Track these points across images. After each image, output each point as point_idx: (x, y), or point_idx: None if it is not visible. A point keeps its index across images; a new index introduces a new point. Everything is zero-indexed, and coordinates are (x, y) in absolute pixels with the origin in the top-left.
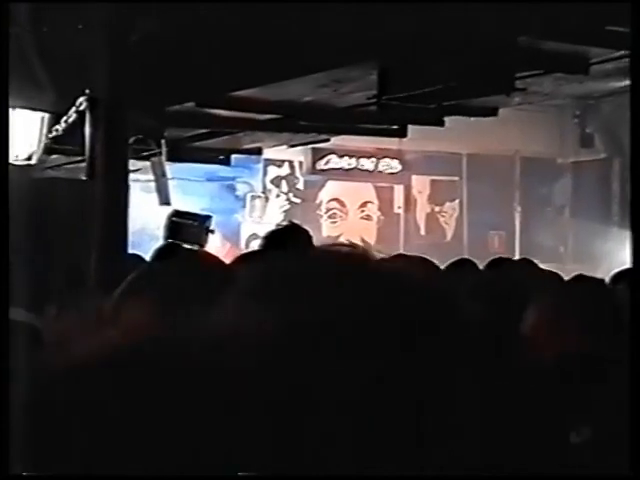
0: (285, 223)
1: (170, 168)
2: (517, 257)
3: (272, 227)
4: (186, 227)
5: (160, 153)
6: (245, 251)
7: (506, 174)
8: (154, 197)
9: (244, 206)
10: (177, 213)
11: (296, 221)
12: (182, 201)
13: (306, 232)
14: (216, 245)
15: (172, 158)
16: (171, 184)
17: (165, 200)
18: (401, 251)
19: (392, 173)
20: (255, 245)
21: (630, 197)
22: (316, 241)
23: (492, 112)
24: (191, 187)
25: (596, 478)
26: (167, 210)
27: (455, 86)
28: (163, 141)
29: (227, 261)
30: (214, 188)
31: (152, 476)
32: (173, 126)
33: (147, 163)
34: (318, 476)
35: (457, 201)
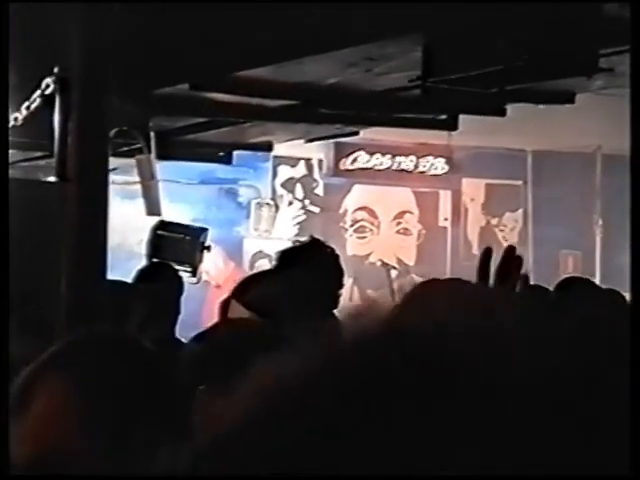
0: (304, 239)
1: (158, 167)
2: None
3: (288, 243)
4: (175, 242)
5: (148, 148)
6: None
7: (584, 177)
8: (135, 204)
9: (248, 216)
10: (164, 225)
11: (316, 236)
12: (170, 209)
13: (331, 250)
14: (217, 265)
15: (160, 155)
16: (161, 189)
17: (155, 209)
18: (447, 275)
19: (437, 175)
20: (262, 267)
21: (630, 197)
22: (343, 260)
23: (567, 98)
24: (182, 192)
25: (596, 478)
26: (151, 221)
27: (521, 66)
28: (151, 133)
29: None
30: (211, 193)
31: (153, 476)
32: (162, 114)
33: (128, 161)
34: (318, 476)
35: (520, 211)
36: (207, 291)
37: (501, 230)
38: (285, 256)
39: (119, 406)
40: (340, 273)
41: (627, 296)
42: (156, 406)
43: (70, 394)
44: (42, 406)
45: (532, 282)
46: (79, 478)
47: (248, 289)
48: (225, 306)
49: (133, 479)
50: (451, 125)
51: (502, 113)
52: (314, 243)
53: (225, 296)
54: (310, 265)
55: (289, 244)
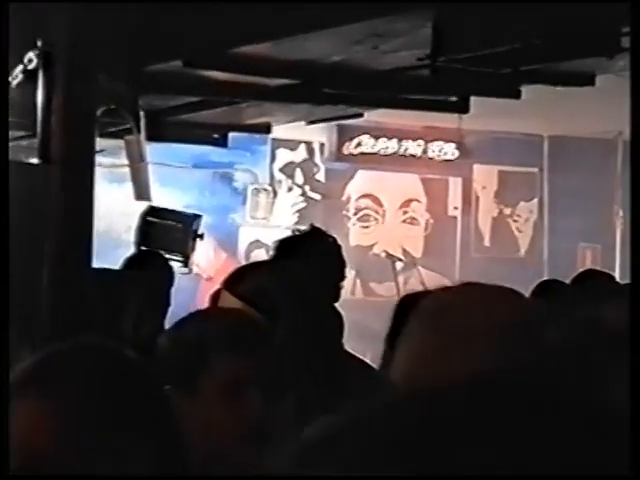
0: (303, 227)
1: (148, 149)
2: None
3: (286, 232)
4: (166, 230)
5: (137, 129)
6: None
7: (604, 165)
8: (122, 189)
9: (244, 203)
10: (154, 211)
11: (317, 225)
12: (161, 194)
13: (333, 240)
14: (208, 255)
15: (151, 136)
16: (151, 172)
17: (144, 194)
18: (457, 268)
19: (447, 161)
20: (258, 257)
21: (630, 197)
22: (345, 250)
23: (587, 80)
24: (173, 176)
25: (596, 478)
26: (140, 207)
27: (537, 45)
28: (142, 113)
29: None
30: (204, 177)
31: (153, 476)
32: (153, 93)
33: (116, 142)
34: (318, 476)
35: (535, 200)
36: (197, 284)
37: (515, 221)
38: (283, 246)
39: (103, 420)
40: (342, 264)
41: None
42: (141, 419)
43: (52, 410)
44: (23, 422)
45: (546, 278)
46: (79, 478)
47: (241, 279)
48: (216, 297)
49: (133, 479)
50: (462, 107)
51: (517, 95)
52: (314, 232)
53: (217, 287)
54: (310, 256)
55: (288, 233)
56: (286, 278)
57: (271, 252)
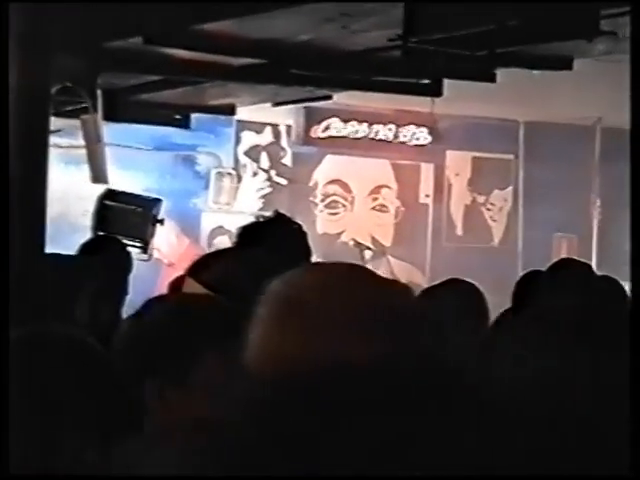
0: (268, 214)
1: (105, 130)
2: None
3: (250, 219)
4: (124, 214)
5: (94, 108)
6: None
7: (582, 152)
8: (80, 170)
9: (207, 187)
10: (112, 194)
11: (282, 211)
12: (119, 177)
13: (298, 227)
14: (170, 241)
15: (109, 116)
16: (108, 154)
17: (101, 176)
18: (428, 257)
19: (419, 146)
20: (222, 243)
21: (630, 197)
22: (309, 239)
23: (564, 64)
24: (133, 158)
25: (596, 478)
26: (98, 190)
27: (513, 26)
28: (99, 91)
29: (183, 263)
30: (165, 160)
31: (153, 476)
32: (112, 70)
33: (72, 122)
34: (318, 476)
35: (510, 189)
36: (158, 270)
37: (488, 209)
38: (246, 233)
39: (66, 408)
40: (307, 253)
41: (625, 284)
42: (105, 407)
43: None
44: None
45: (520, 268)
46: (79, 478)
47: (207, 266)
48: (177, 284)
49: (133, 479)
50: (435, 91)
51: (492, 79)
52: (279, 219)
53: (179, 274)
54: (274, 243)
55: (252, 219)
56: (252, 265)
57: (234, 239)
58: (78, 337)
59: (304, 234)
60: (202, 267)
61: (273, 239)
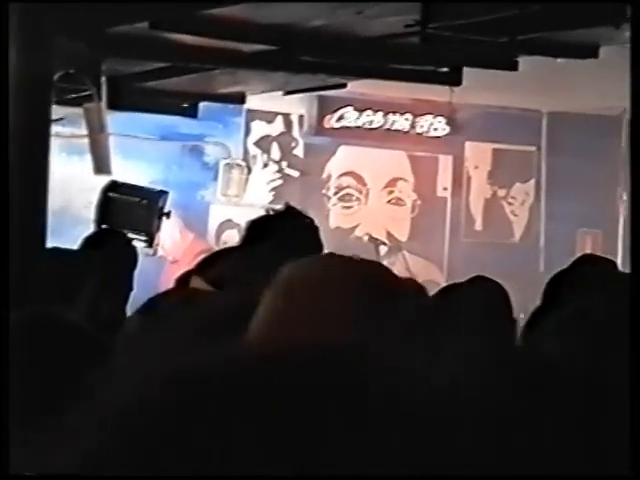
0: (278, 207)
1: (109, 119)
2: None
3: (260, 212)
4: (129, 207)
5: (98, 96)
6: (216, 248)
7: (608, 144)
8: (83, 161)
9: (215, 179)
10: (116, 186)
11: (293, 204)
12: (124, 168)
13: (310, 221)
14: (174, 236)
15: (113, 105)
16: (112, 144)
17: (104, 167)
18: (445, 253)
19: (437, 137)
20: (230, 238)
21: (630, 197)
22: (322, 234)
23: (590, 52)
24: (138, 148)
25: (596, 478)
26: (101, 182)
27: (537, 12)
28: (103, 79)
29: (188, 259)
30: (172, 150)
31: (153, 476)
32: (117, 57)
33: (75, 110)
34: (317, 476)
35: (532, 182)
36: (161, 266)
37: (509, 203)
38: (255, 227)
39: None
40: (319, 248)
41: None
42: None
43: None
44: None
45: (542, 266)
46: (79, 478)
47: (213, 264)
48: (183, 282)
49: (133, 479)
50: (454, 79)
51: (514, 67)
52: (289, 212)
53: (184, 270)
54: (283, 238)
55: (261, 213)
56: (259, 262)
57: (242, 233)
58: (71, 320)
59: (316, 228)
60: (209, 265)
61: (283, 234)
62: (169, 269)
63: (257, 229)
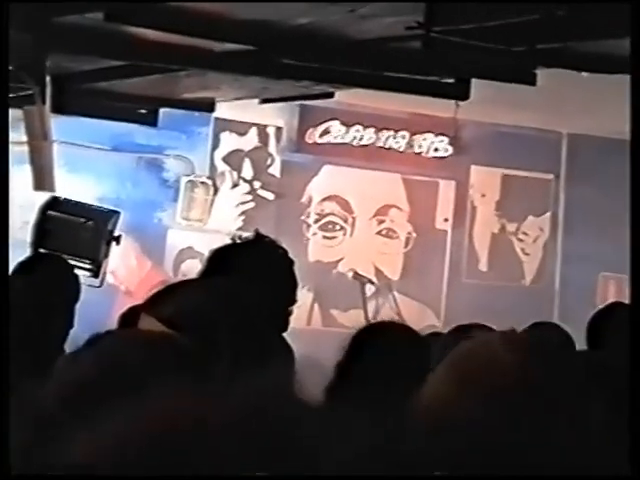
0: (247, 234)
1: (53, 124)
2: None
3: (224, 240)
4: (72, 228)
5: (41, 97)
6: (173, 280)
7: None
8: (20, 172)
9: (175, 199)
10: (58, 203)
11: (265, 232)
12: (68, 183)
13: (283, 253)
14: (129, 263)
15: (58, 108)
16: (56, 154)
17: (46, 181)
18: (443, 296)
19: (437, 159)
20: (191, 268)
21: (630, 197)
22: (298, 268)
23: (620, 66)
24: (85, 160)
25: (596, 478)
26: (40, 198)
27: (560, 17)
28: (47, 77)
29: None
30: (125, 164)
31: (153, 476)
32: (63, 52)
33: (13, 113)
34: (318, 476)
35: (547, 215)
36: (113, 298)
37: (520, 240)
38: (218, 256)
39: None
40: (293, 284)
41: None
42: None
43: None
44: None
45: (557, 314)
46: (79, 478)
47: (167, 299)
48: (130, 318)
49: (133, 479)
50: (460, 92)
51: (531, 80)
52: (260, 241)
53: (133, 304)
54: (251, 271)
55: (227, 240)
56: (222, 298)
57: (203, 263)
58: None
59: (290, 261)
60: (161, 299)
61: (251, 266)
62: (122, 301)
63: (221, 259)
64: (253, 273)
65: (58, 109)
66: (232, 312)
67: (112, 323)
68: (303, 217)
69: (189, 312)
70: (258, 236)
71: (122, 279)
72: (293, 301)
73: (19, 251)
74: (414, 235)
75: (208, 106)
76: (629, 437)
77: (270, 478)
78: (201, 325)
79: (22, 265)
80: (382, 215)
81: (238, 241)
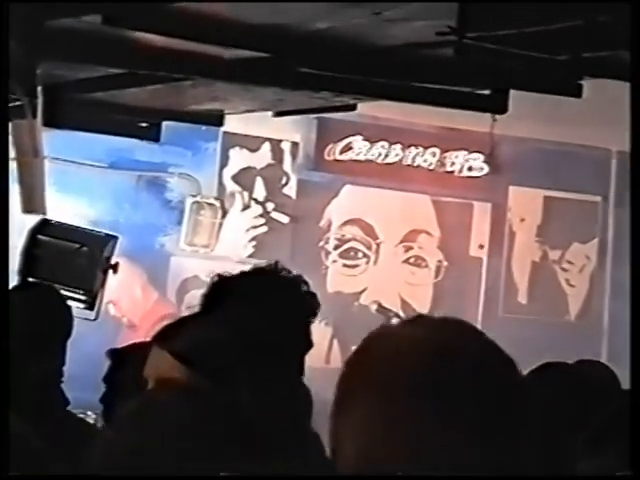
0: (261, 262)
1: (45, 139)
2: None
3: (234, 268)
4: (65, 255)
5: (32, 110)
6: (179, 313)
7: None
8: (10, 195)
9: (180, 222)
10: (49, 226)
11: (278, 260)
12: (61, 204)
13: (299, 282)
14: (133, 293)
15: (51, 121)
16: (47, 172)
17: (36, 202)
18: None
19: (472, 178)
20: (196, 300)
21: (630, 197)
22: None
23: None
24: (80, 179)
25: (596, 478)
26: (29, 221)
27: (606, 22)
28: (39, 87)
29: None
30: (124, 183)
31: (152, 476)
32: (57, 59)
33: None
34: (317, 476)
35: (595, 242)
36: (116, 333)
37: (564, 269)
38: (224, 286)
39: None
40: (310, 316)
41: None
42: None
43: None
44: None
45: (605, 354)
46: (79, 478)
47: (178, 332)
48: (136, 356)
49: (134, 479)
50: (497, 105)
51: (576, 92)
52: (273, 269)
53: (139, 340)
54: (264, 303)
55: (237, 269)
56: (237, 331)
57: (204, 295)
58: None
59: (311, 298)
60: (173, 332)
61: (262, 297)
62: (125, 335)
63: (228, 289)
64: (265, 304)
65: (50, 122)
66: (244, 346)
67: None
68: (321, 243)
69: (199, 344)
70: (275, 266)
71: (125, 310)
72: (310, 346)
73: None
74: (445, 264)
75: (216, 119)
76: (629, 437)
77: (270, 478)
78: (212, 358)
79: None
80: (410, 241)
81: (250, 270)
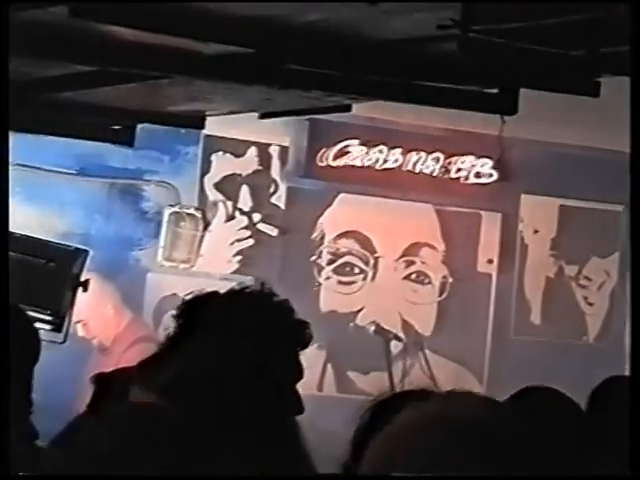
0: (246, 280)
1: (12, 143)
2: None
3: (217, 285)
4: (30, 271)
5: None
6: (158, 335)
7: None
8: None
9: (157, 235)
10: (12, 241)
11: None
12: (25, 215)
13: (283, 304)
14: (104, 313)
15: (14, 123)
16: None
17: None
18: (487, 356)
19: (479, 185)
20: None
21: (630, 197)
22: (312, 320)
23: None
24: (46, 187)
25: (596, 478)
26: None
27: (625, 14)
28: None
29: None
30: (95, 192)
31: (152, 476)
32: (20, 55)
33: None
34: (317, 476)
35: (616, 256)
36: (85, 357)
37: (582, 286)
38: (200, 313)
39: None
40: (299, 341)
41: None
42: None
43: None
44: None
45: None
46: (79, 478)
47: (161, 366)
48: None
49: (136, 479)
50: (506, 105)
51: (594, 91)
52: (256, 290)
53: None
54: (245, 328)
55: (220, 287)
56: (216, 360)
57: (176, 318)
58: None
59: (299, 321)
60: (154, 365)
61: (243, 321)
62: (96, 361)
63: (205, 313)
64: (246, 330)
65: (14, 125)
66: (226, 374)
67: (82, 387)
68: (314, 258)
69: (178, 376)
70: (263, 287)
71: (95, 331)
72: (300, 377)
73: None
74: (450, 280)
75: (197, 121)
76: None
77: (270, 478)
78: (191, 390)
79: None
80: (411, 255)
81: (233, 289)
